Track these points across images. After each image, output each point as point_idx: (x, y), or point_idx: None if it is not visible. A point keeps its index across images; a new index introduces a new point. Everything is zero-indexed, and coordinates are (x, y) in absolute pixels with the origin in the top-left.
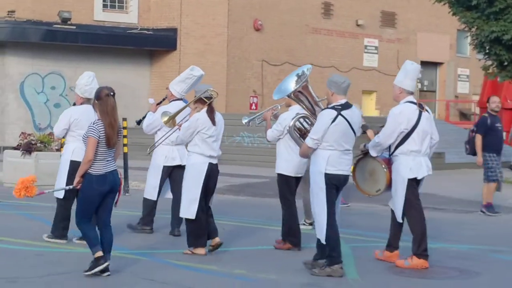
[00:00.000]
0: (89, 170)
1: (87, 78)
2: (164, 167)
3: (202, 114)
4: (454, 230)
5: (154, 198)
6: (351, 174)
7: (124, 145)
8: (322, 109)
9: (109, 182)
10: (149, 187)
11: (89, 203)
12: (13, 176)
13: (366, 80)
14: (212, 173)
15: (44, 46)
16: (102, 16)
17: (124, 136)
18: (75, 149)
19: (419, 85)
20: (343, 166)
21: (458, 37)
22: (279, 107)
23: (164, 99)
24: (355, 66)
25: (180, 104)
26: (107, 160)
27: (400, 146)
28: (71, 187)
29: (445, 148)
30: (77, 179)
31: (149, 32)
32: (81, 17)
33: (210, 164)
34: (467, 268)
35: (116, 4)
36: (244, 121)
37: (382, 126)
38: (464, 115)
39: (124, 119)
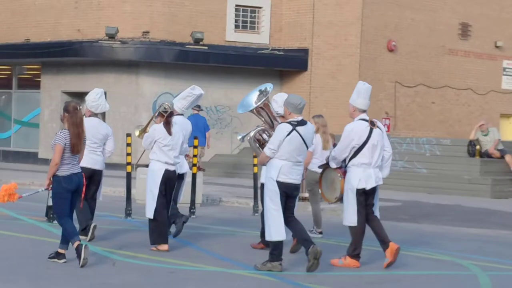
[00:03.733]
0: (57, 173)
1: (95, 95)
2: None
3: (159, 125)
4: None
5: None
6: (318, 182)
7: (254, 165)
8: (279, 123)
9: (74, 181)
10: None
11: (62, 200)
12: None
13: (505, 103)
14: (168, 178)
15: (176, 66)
16: (233, 36)
17: (254, 157)
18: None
19: None
20: (294, 175)
21: None
22: None
23: None
24: (493, 89)
25: (181, 118)
26: (72, 164)
27: (352, 159)
28: (43, 189)
29: None
30: (47, 181)
31: (280, 53)
32: (213, 37)
33: (167, 171)
34: None
35: (248, 24)
36: (239, 137)
37: None
38: None
39: None
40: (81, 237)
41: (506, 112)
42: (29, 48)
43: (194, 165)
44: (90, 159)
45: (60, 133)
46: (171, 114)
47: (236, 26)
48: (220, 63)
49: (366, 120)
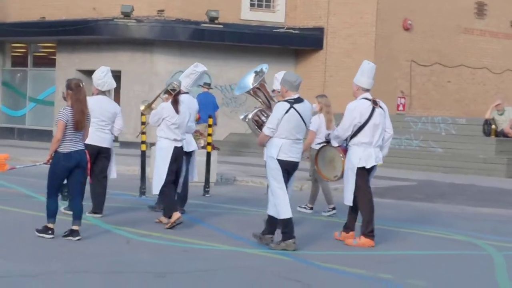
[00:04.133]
0: (58, 149)
1: (101, 73)
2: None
3: (167, 104)
4: None
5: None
6: (314, 159)
7: None
8: (277, 102)
9: (74, 159)
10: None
11: (56, 178)
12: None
13: None
14: (178, 155)
15: (191, 45)
16: (249, 15)
17: None
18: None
19: None
20: (294, 153)
21: None
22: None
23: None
24: (509, 68)
25: (187, 97)
26: (75, 141)
27: (353, 138)
28: (42, 163)
29: None
30: (48, 156)
31: (295, 31)
32: (228, 16)
33: (176, 148)
34: None
35: (263, 3)
36: (241, 116)
37: None
38: None
39: None
40: (95, 215)
41: None
42: (44, 26)
43: (209, 143)
44: (97, 137)
45: (63, 110)
46: (179, 92)
47: (252, 5)
48: (235, 42)
49: (369, 99)
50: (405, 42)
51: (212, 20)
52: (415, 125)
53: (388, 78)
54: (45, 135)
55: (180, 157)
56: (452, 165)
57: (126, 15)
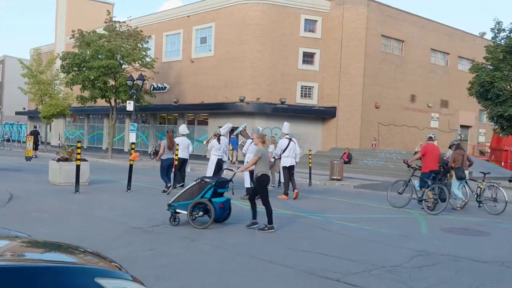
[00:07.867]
0: None
1: None
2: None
3: (215, 140)
4: None
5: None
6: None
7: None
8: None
9: None
10: None
11: None
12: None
13: None
14: (217, 164)
15: (272, 115)
16: (300, 100)
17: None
18: None
19: (459, 137)
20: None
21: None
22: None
23: None
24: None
25: (223, 139)
26: None
27: (283, 154)
28: None
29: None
30: None
31: (322, 108)
32: (290, 100)
33: (219, 159)
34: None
35: (307, 93)
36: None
37: None
38: (482, 153)
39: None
40: None
41: None
42: (203, 108)
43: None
44: None
45: None
46: (220, 135)
47: (301, 95)
48: (294, 113)
49: (288, 138)
50: (376, 114)
51: (282, 102)
52: (380, 155)
53: (367, 131)
54: (198, 158)
55: (221, 164)
56: None
57: (241, 100)
